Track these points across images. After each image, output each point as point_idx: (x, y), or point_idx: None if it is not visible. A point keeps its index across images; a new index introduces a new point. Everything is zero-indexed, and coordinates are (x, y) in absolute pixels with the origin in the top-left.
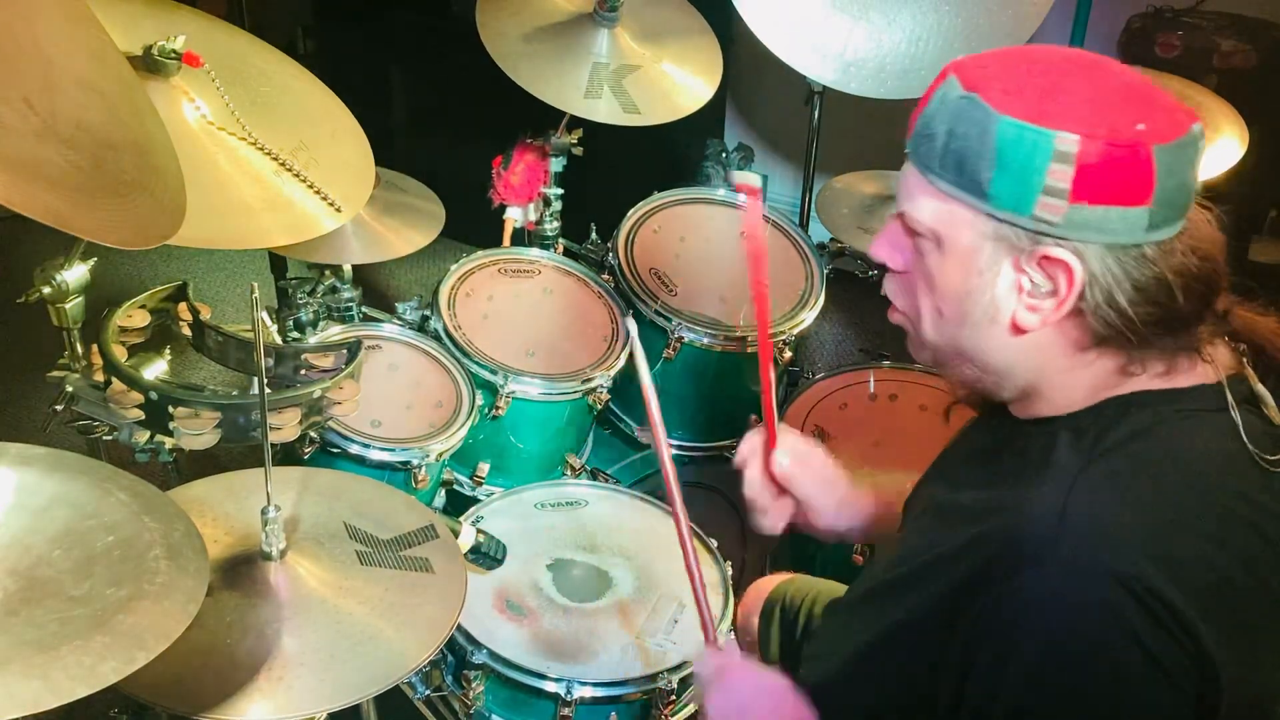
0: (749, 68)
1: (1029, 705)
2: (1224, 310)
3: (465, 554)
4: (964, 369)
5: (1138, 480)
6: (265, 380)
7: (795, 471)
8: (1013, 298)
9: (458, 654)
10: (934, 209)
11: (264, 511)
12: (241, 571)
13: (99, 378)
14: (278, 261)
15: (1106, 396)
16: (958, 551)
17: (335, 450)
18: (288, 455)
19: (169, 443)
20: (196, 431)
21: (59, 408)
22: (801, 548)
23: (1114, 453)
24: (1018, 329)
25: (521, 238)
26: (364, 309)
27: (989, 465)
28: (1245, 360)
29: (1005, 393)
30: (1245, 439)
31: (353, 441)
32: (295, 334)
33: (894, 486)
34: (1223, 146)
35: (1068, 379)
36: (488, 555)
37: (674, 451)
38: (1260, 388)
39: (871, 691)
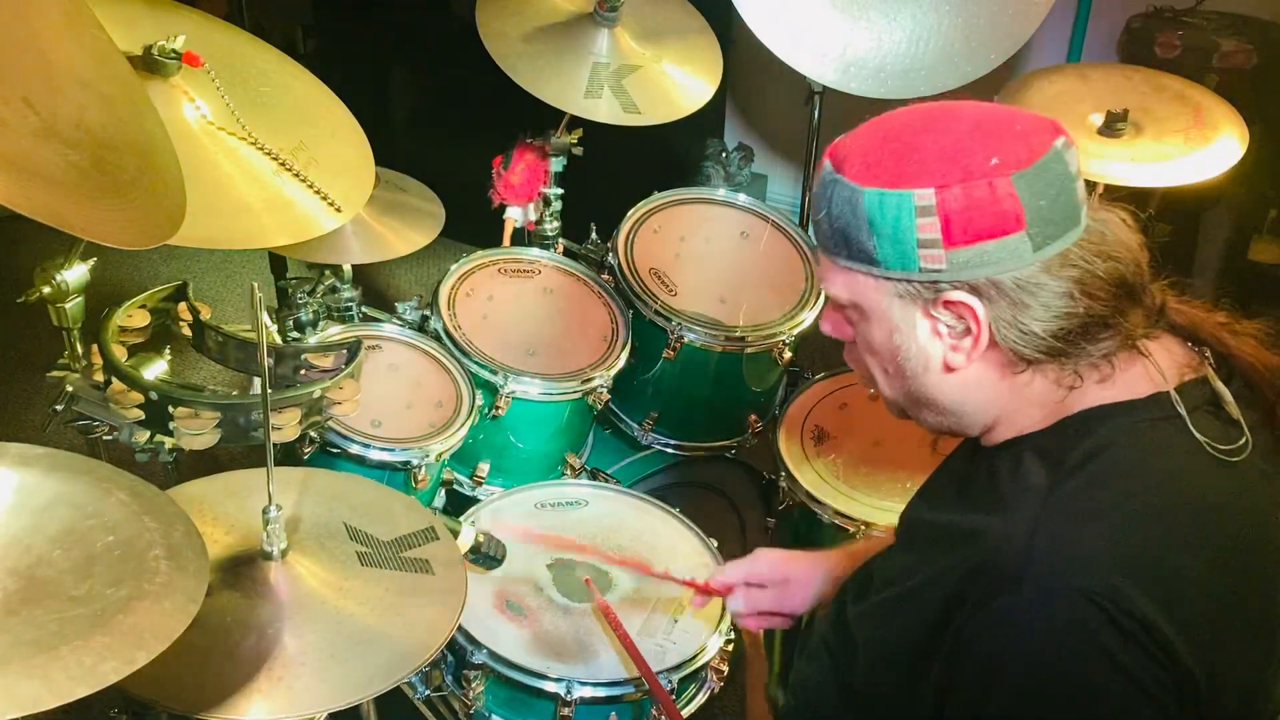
0: (749, 68)
1: None
2: (1159, 305)
3: (465, 554)
4: (926, 415)
5: (1102, 496)
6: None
7: (752, 605)
8: (936, 343)
9: (458, 654)
10: (844, 283)
11: (265, 511)
12: (242, 571)
13: (99, 378)
14: (278, 261)
15: (1065, 414)
16: (936, 577)
17: (335, 450)
18: (288, 455)
19: (169, 443)
20: (196, 431)
21: (59, 408)
22: (801, 547)
23: (1078, 472)
24: (950, 369)
25: (521, 238)
26: (364, 309)
27: (964, 488)
28: (1207, 361)
29: (972, 429)
30: (1201, 440)
31: (353, 441)
32: (295, 334)
33: (867, 543)
34: (1223, 146)
35: (1017, 401)
36: (488, 555)
37: (674, 452)
38: (1220, 385)
39: (863, 713)
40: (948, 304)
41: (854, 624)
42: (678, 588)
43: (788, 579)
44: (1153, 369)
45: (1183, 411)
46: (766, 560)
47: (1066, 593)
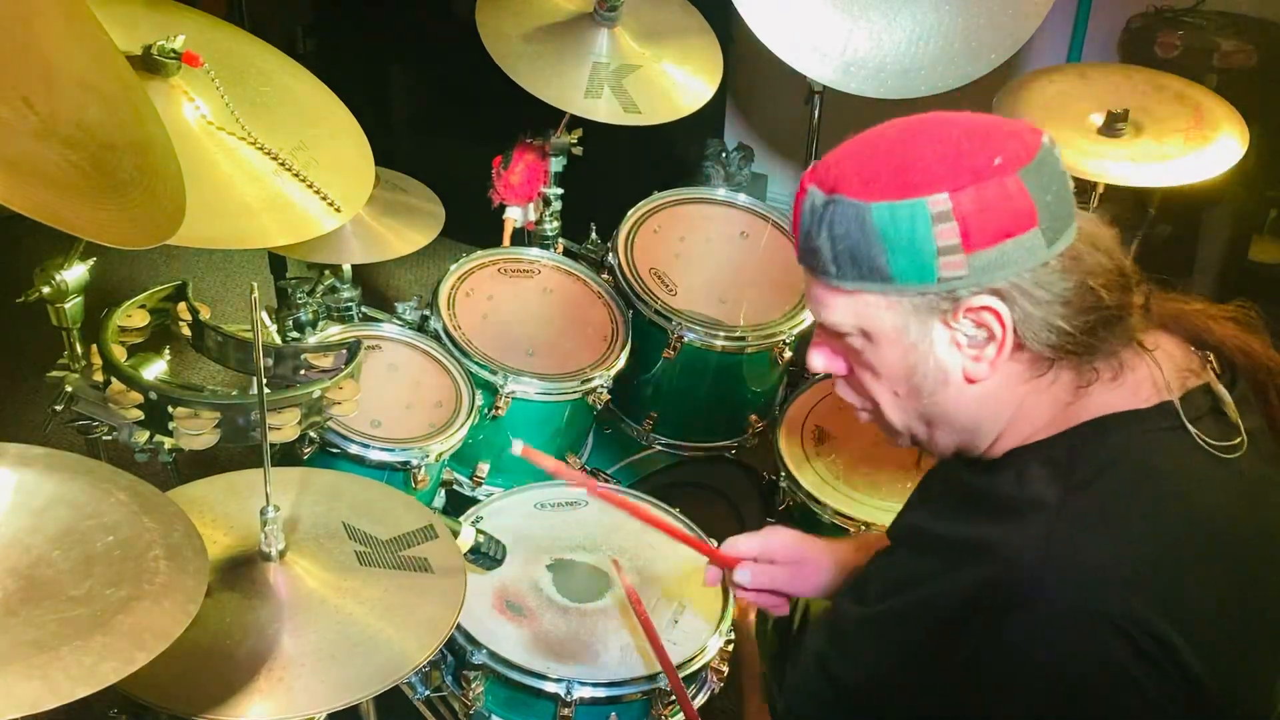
0: (749, 68)
1: None
2: (1145, 301)
3: (465, 554)
4: (939, 436)
5: (1115, 513)
6: (265, 380)
7: (759, 582)
8: (955, 355)
9: (458, 654)
10: (849, 308)
11: (263, 512)
12: (241, 572)
13: (99, 378)
14: (278, 261)
15: (1072, 422)
16: (945, 590)
17: (335, 450)
18: (287, 455)
19: (168, 443)
20: (196, 431)
21: (59, 408)
22: None
23: (1090, 486)
24: (971, 380)
25: (521, 238)
26: (364, 309)
27: (968, 497)
28: (1209, 364)
29: (985, 443)
30: (1210, 449)
31: (352, 441)
32: (295, 334)
33: (878, 536)
34: (1223, 146)
35: (1032, 405)
36: (488, 555)
37: (674, 452)
38: (1220, 389)
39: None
40: (969, 311)
41: (854, 631)
42: (678, 587)
43: (803, 560)
44: (1156, 372)
45: (1187, 422)
46: (780, 539)
47: (1086, 615)
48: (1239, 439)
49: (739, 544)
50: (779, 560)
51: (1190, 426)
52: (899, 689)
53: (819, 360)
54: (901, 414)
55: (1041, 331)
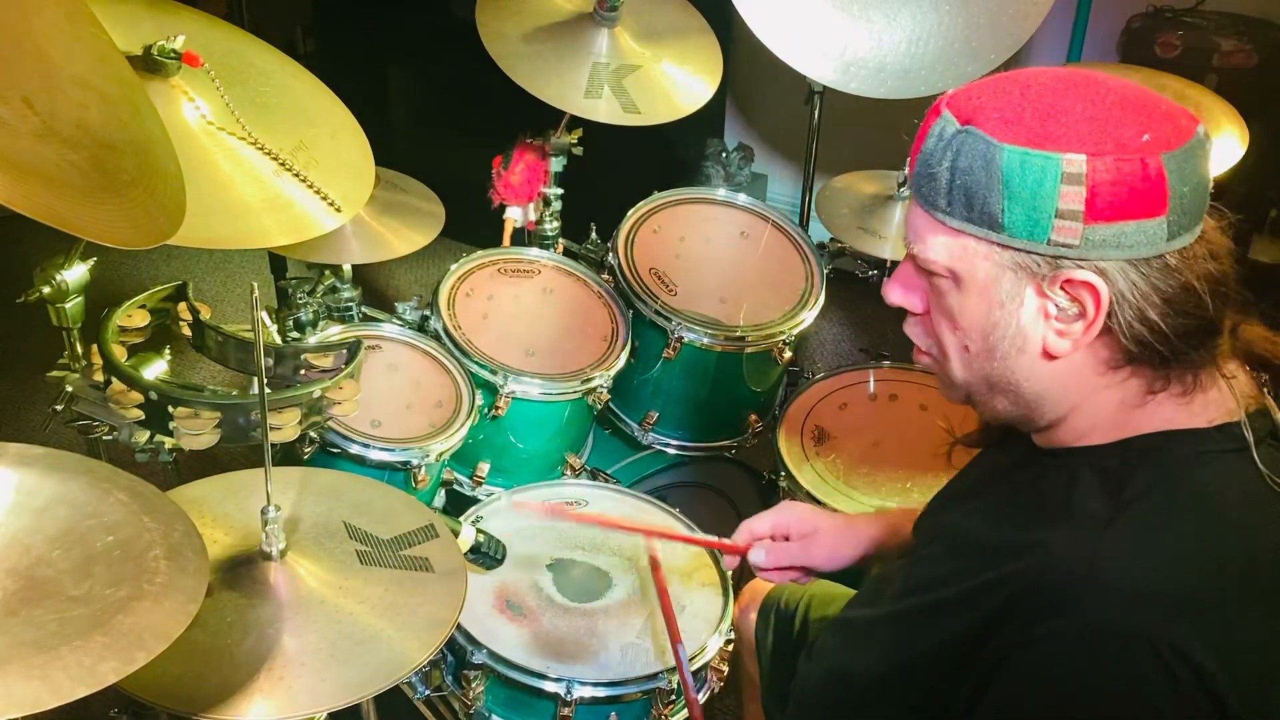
0: (749, 68)
1: None
2: (1235, 326)
3: (465, 554)
4: (997, 402)
5: (1168, 534)
6: (265, 380)
7: (775, 559)
8: (1040, 324)
9: (458, 654)
10: (947, 247)
11: (264, 512)
12: (241, 571)
13: (99, 378)
14: (278, 261)
15: (1131, 433)
16: (976, 591)
17: (335, 450)
18: (288, 455)
19: (169, 443)
20: (196, 431)
21: (59, 408)
22: None
23: (1141, 502)
24: (1049, 355)
25: (521, 238)
26: (364, 309)
27: (1006, 497)
28: (1266, 390)
29: (1040, 421)
30: (1268, 477)
31: (353, 441)
32: (295, 334)
33: (900, 513)
34: (1223, 146)
35: (1097, 401)
36: (488, 555)
37: (674, 452)
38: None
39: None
40: (1067, 283)
41: (872, 628)
42: (678, 587)
43: (815, 530)
44: (1228, 393)
45: (1252, 444)
46: (793, 512)
47: (1121, 631)
48: None
49: (754, 525)
50: (793, 534)
51: (1254, 451)
52: (913, 688)
53: (896, 294)
54: (966, 370)
55: (1134, 324)
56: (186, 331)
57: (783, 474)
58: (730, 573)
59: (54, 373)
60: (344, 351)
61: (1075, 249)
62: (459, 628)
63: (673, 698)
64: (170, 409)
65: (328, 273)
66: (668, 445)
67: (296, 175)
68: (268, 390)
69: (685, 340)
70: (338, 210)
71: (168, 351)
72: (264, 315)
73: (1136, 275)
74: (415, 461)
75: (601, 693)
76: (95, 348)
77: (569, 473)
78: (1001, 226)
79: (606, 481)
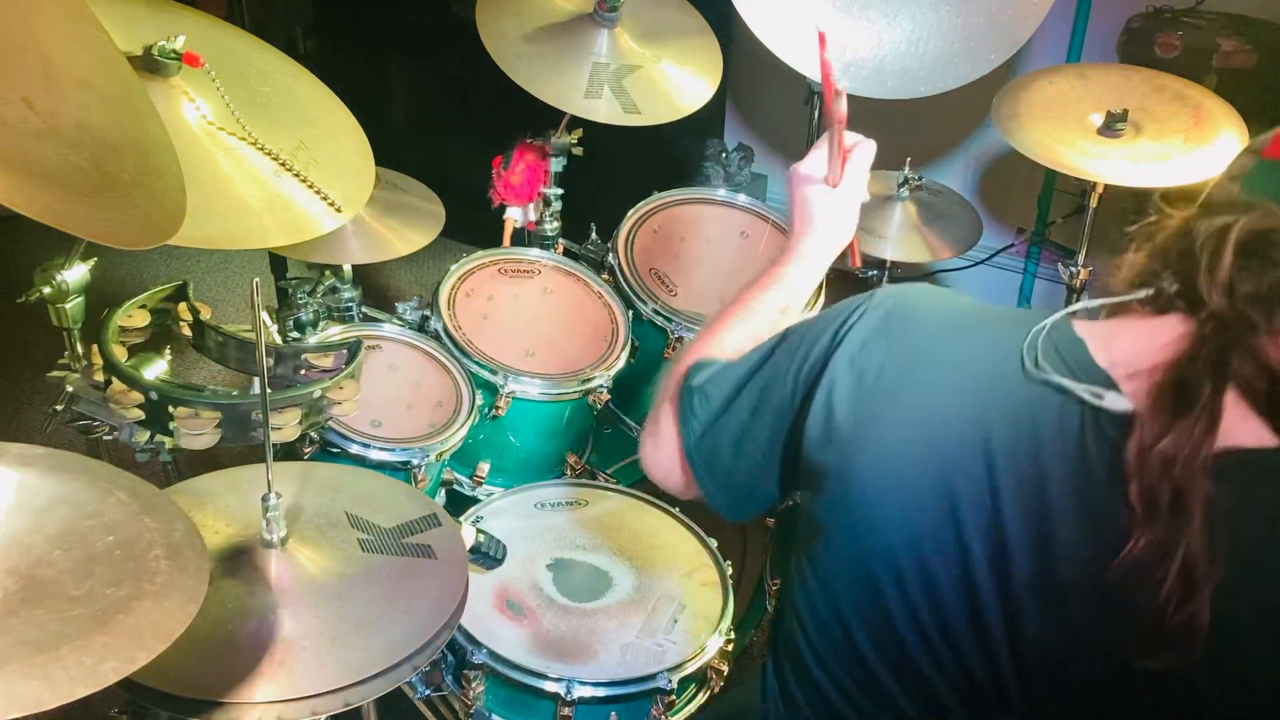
0: (749, 68)
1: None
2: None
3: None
4: None
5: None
6: (265, 380)
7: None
8: None
9: (458, 654)
10: None
11: (264, 499)
12: (243, 559)
13: (99, 378)
14: (278, 261)
15: None
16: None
17: (335, 450)
18: (288, 455)
19: (169, 443)
20: (196, 431)
21: (59, 408)
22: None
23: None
24: None
25: (521, 238)
26: (364, 309)
27: None
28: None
29: None
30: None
31: (353, 441)
32: (295, 334)
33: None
34: (1223, 146)
35: None
36: (488, 555)
37: None
38: None
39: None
40: None
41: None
42: (678, 587)
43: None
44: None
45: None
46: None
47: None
48: None
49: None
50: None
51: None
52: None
53: None
54: None
55: None
56: (187, 331)
57: None
58: (730, 573)
59: (54, 373)
60: (344, 351)
61: None
62: (459, 628)
63: (672, 698)
64: (171, 409)
65: (328, 273)
66: None
67: (297, 175)
68: (268, 390)
69: (685, 340)
70: (338, 210)
71: (168, 351)
72: (264, 315)
73: None
74: (415, 461)
75: (601, 693)
76: (96, 348)
77: (569, 473)
78: None
79: (606, 481)
